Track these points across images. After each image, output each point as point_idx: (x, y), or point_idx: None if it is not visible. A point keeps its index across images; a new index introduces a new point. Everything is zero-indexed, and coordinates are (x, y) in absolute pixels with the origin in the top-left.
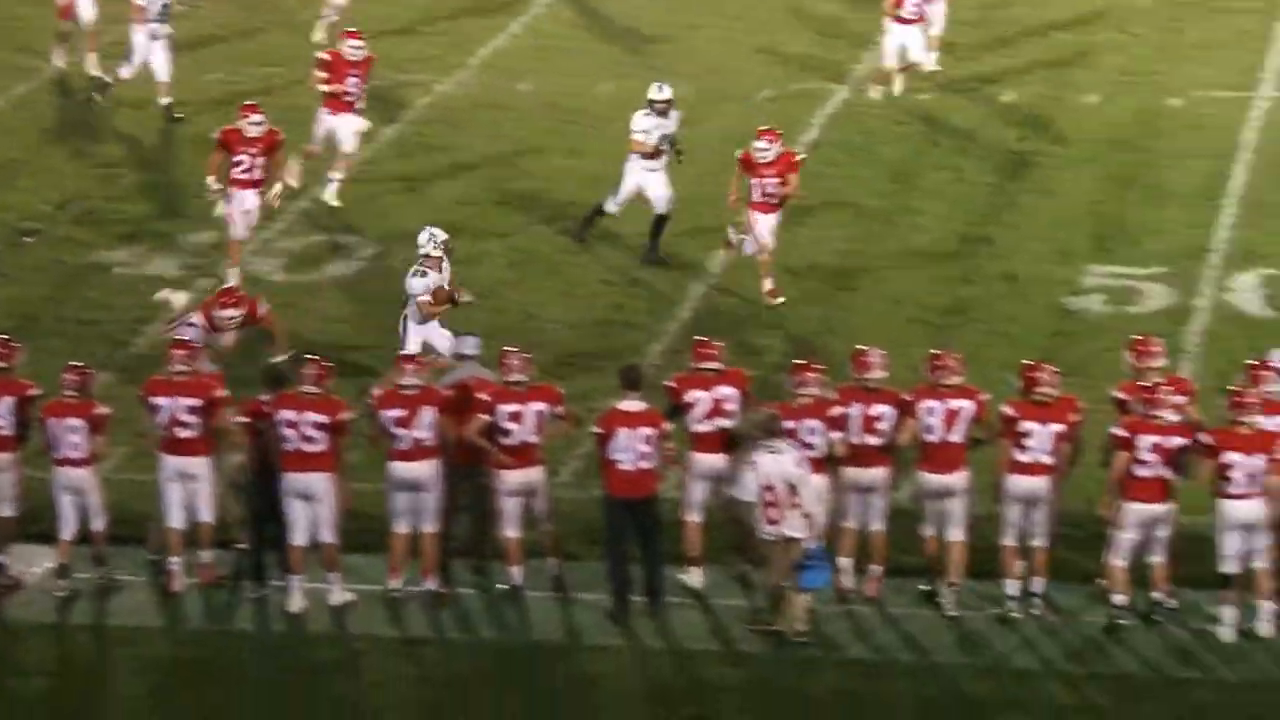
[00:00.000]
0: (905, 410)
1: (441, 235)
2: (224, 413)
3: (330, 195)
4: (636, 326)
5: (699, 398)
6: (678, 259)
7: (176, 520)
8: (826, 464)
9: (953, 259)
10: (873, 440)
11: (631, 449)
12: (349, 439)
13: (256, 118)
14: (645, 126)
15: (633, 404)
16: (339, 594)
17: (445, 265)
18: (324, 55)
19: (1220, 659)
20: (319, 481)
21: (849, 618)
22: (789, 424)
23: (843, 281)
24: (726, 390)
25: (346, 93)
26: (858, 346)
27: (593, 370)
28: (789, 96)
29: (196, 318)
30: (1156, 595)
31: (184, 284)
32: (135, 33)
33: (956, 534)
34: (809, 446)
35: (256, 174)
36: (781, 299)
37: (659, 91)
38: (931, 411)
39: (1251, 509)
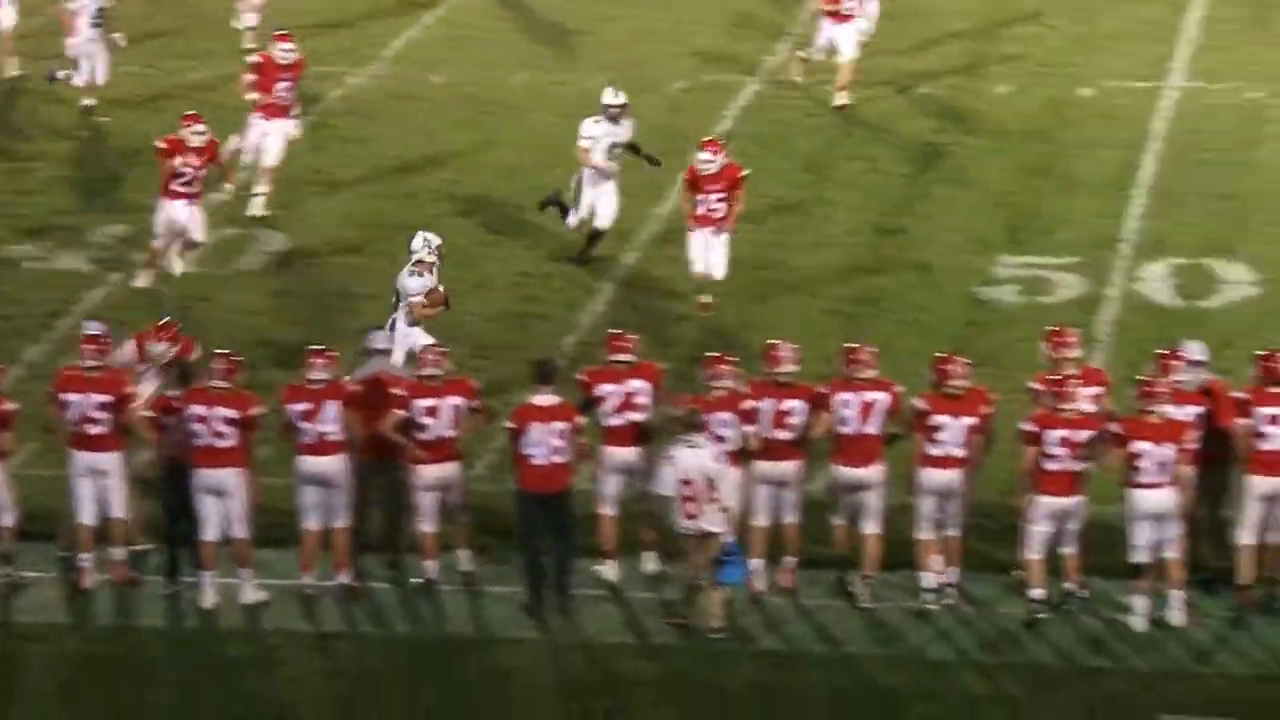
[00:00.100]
0: (819, 404)
1: (436, 240)
2: (133, 409)
3: (257, 207)
4: (550, 319)
5: (610, 391)
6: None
7: (87, 516)
8: (739, 458)
9: (866, 250)
10: (784, 435)
11: (544, 443)
12: (259, 434)
13: (199, 127)
14: (594, 133)
15: (545, 398)
16: (251, 592)
17: (437, 270)
18: (255, 59)
19: (1132, 648)
20: (230, 477)
21: (763, 610)
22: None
23: (757, 273)
24: (638, 384)
25: (279, 97)
26: (769, 341)
27: (507, 363)
28: (703, 88)
29: (130, 344)
30: (1068, 585)
31: (95, 280)
32: (76, 40)
33: (871, 527)
34: (721, 440)
35: (195, 186)
36: (710, 311)
37: (614, 97)
38: (846, 404)
39: (1161, 498)
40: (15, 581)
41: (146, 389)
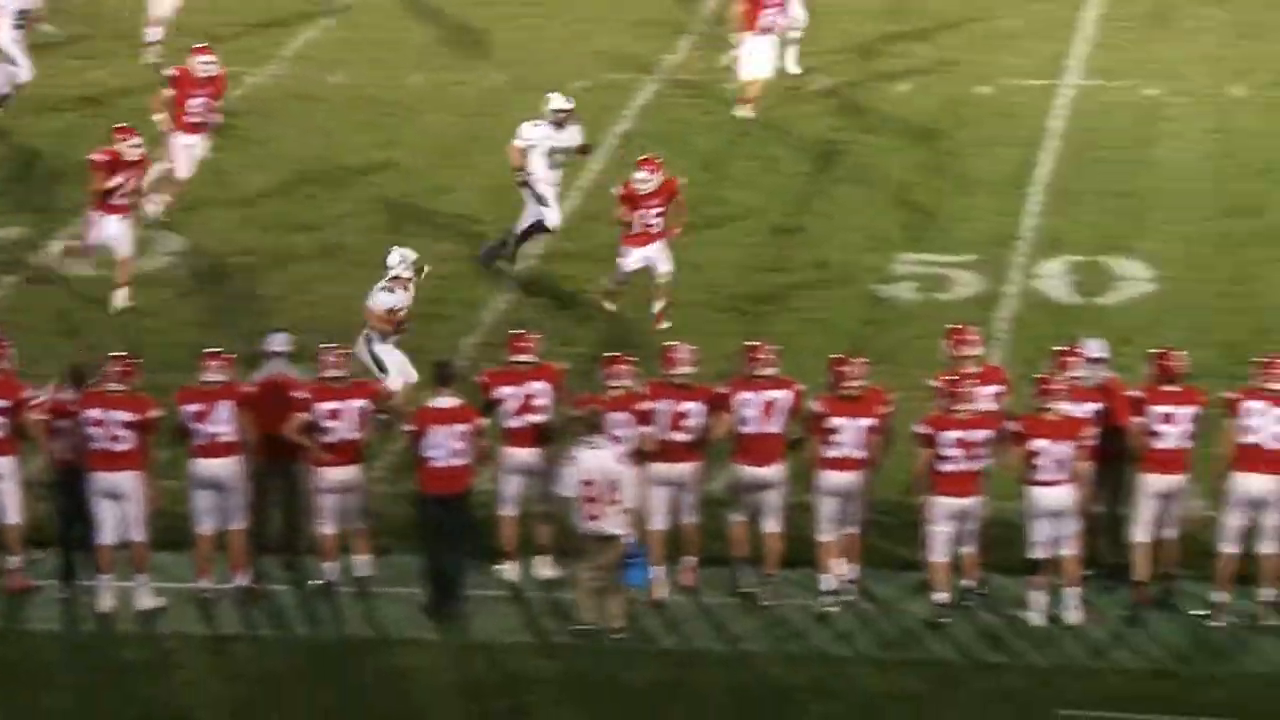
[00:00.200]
0: (718, 405)
1: (412, 256)
2: (28, 413)
3: (156, 213)
4: (451, 319)
5: (510, 393)
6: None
7: None
8: (635, 458)
9: (765, 248)
10: (681, 436)
11: (444, 446)
12: (157, 436)
13: (136, 140)
14: (531, 137)
15: (446, 400)
16: (148, 598)
17: (411, 287)
18: (172, 72)
19: (1031, 644)
20: (127, 480)
21: (663, 609)
22: None
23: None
24: (538, 385)
25: (197, 112)
26: (665, 342)
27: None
28: (602, 87)
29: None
30: (967, 583)
31: None
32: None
33: (772, 525)
34: (617, 440)
35: (130, 200)
36: (666, 324)
37: (562, 102)
38: (747, 404)
39: (1059, 496)
40: None
41: (42, 393)
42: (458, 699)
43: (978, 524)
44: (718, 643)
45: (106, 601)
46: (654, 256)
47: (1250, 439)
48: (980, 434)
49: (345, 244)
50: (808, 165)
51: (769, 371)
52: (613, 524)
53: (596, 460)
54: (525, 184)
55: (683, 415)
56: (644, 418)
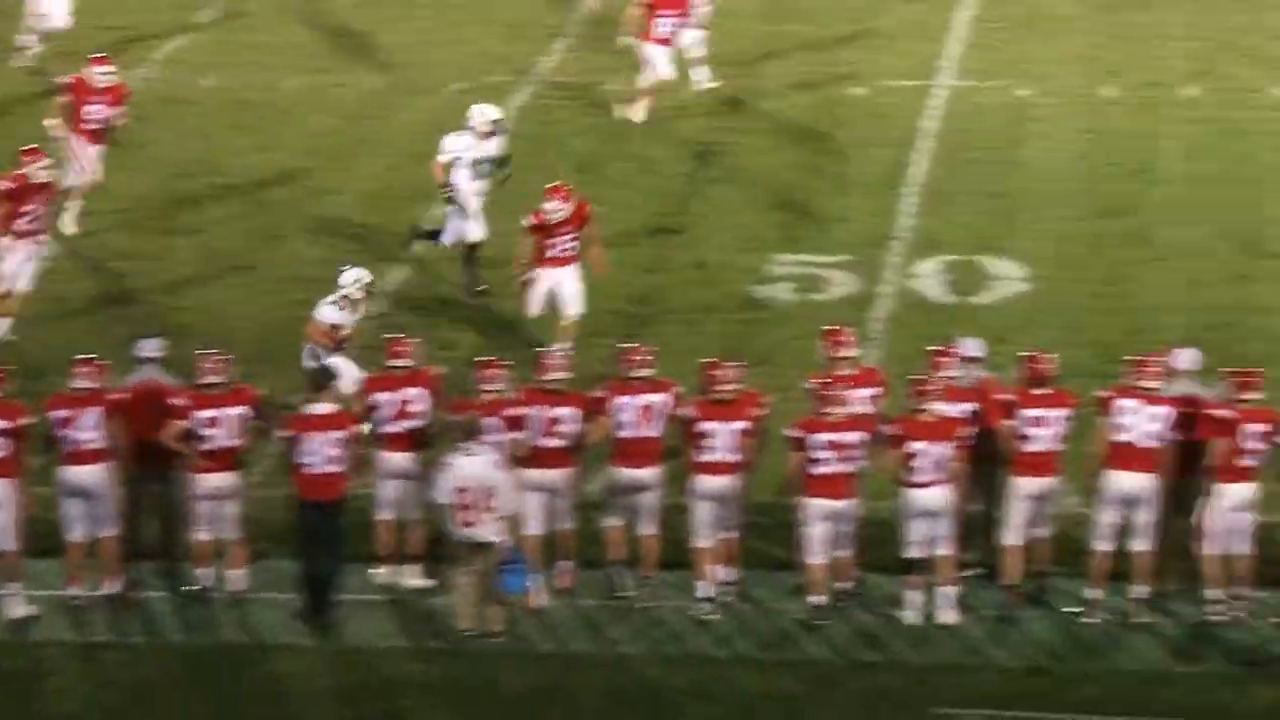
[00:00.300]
0: (594, 409)
1: (367, 278)
2: None
3: (68, 224)
4: None
5: (386, 399)
6: (372, 252)
7: None
8: (510, 464)
9: (642, 250)
10: (554, 442)
11: (320, 452)
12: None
13: (45, 161)
14: (455, 148)
15: (322, 406)
16: (20, 607)
17: (362, 308)
18: (68, 80)
19: (906, 643)
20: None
21: (541, 613)
22: None
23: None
24: (414, 391)
25: (94, 120)
26: (539, 349)
27: (284, 367)
28: (479, 89)
29: None
30: (842, 584)
31: None
32: None
33: (649, 528)
34: (493, 446)
35: (38, 224)
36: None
37: (494, 113)
38: (624, 408)
39: (936, 496)
40: None
41: None
42: (333, 704)
43: (853, 525)
44: (595, 646)
45: None
46: (566, 284)
47: (1123, 437)
48: (853, 436)
49: (220, 248)
50: (684, 166)
51: (646, 373)
52: (488, 531)
53: (472, 467)
54: (450, 199)
55: (556, 420)
56: (513, 423)
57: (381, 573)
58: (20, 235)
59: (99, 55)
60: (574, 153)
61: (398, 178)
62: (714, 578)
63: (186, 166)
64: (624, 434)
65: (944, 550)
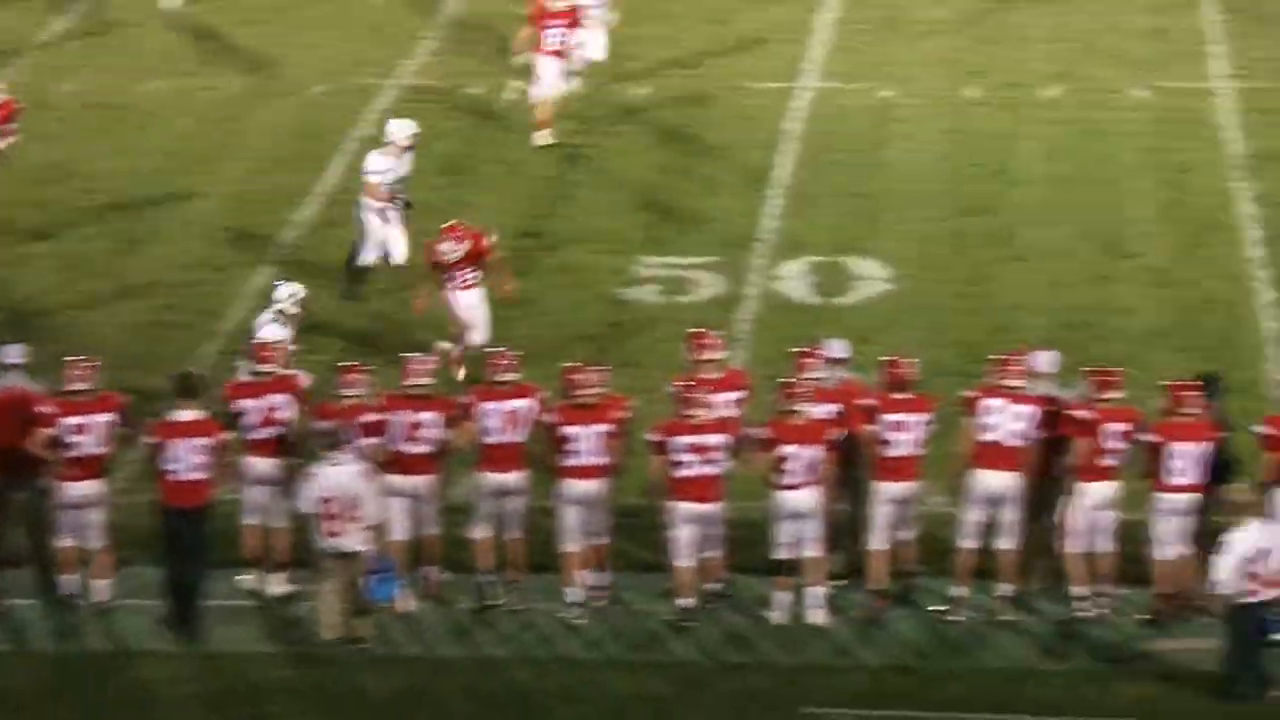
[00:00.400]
0: (459, 415)
1: (301, 293)
2: None
3: None
4: (191, 328)
5: (252, 406)
6: (234, 259)
7: None
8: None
9: (508, 252)
10: (417, 448)
11: (185, 459)
12: None
13: None
14: (382, 167)
15: (187, 413)
16: None
17: (295, 324)
18: None
19: (775, 644)
20: None
21: (408, 616)
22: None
23: (393, 279)
24: (280, 398)
25: None
26: (403, 354)
27: (148, 372)
28: (342, 91)
29: None
30: (711, 585)
31: None
32: None
33: (516, 532)
34: (358, 456)
35: None
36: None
37: (413, 127)
38: (489, 414)
39: (805, 498)
40: None
41: None
42: (200, 710)
43: (720, 528)
44: (462, 650)
45: None
46: (474, 311)
47: (989, 436)
48: (716, 439)
49: (81, 254)
50: (549, 168)
51: (510, 378)
52: (354, 541)
53: (337, 477)
54: (385, 214)
55: (418, 425)
56: (371, 429)
57: (248, 579)
58: None
59: None
60: (437, 155)
61: (253, 184)
62: (583, 582)
63: (48, 172)
64: (489, 439)
65: (812, 551)
